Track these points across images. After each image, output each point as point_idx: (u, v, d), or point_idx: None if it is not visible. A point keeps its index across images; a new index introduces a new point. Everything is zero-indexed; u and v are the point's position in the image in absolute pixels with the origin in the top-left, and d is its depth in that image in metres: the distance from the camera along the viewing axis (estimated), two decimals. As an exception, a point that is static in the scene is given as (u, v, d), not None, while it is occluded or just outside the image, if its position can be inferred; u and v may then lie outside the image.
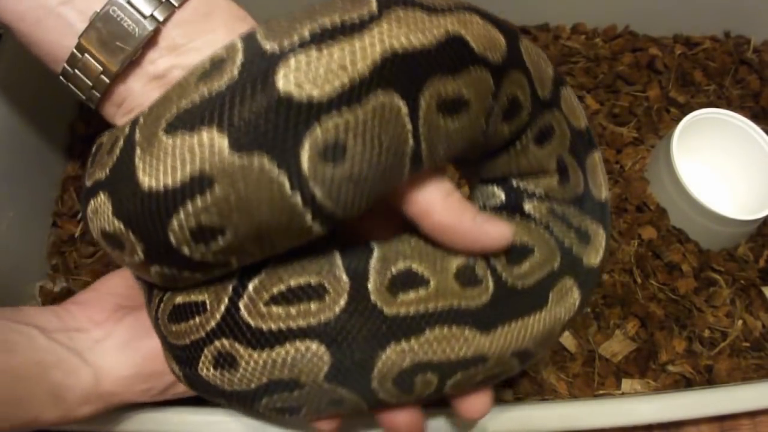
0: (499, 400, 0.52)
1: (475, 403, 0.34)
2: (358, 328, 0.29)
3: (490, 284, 0.31)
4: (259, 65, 0.24)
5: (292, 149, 0.24)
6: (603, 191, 0.36)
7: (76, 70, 0.31)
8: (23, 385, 0.34)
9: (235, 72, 0.25)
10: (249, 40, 0.26)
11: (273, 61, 0.24)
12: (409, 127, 0.26)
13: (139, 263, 0.29)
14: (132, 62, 0.30)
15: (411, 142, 0.26)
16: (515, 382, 0.53)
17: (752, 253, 0.61)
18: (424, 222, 0.30)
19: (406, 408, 0.34)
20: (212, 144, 0.24)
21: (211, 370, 0.30)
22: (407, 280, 0.30)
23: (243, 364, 0.29)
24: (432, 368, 0.30)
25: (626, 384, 0.53)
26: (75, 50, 0.30)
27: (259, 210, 0.25)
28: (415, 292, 0.30)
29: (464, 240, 0.30)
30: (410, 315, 0.29)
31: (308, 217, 0.26)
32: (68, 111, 0.66)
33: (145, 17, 0.29)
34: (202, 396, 0.34)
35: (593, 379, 0.54)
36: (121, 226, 0.27)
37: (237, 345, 0.29)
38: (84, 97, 0.32)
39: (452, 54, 0.27)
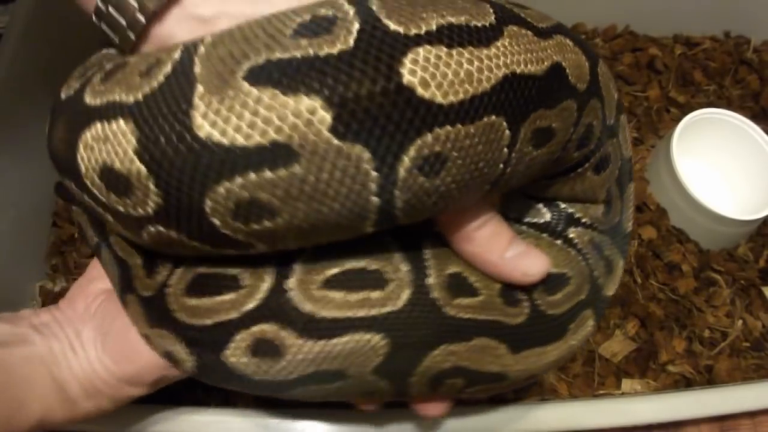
0: (499, 400, 0.52)
1: (438, 406, 0.35)
2: (419, 325, 0.28)
3: (526, 308, 0.31)
4: (382, 44, 0.21)
5: (396, 152, 0.22)
6: (630, 223, 0.38)
7: (110, 7, 0.27)
8: (27, 381, 0.33)
9: (351, 41, 0.21)
10: (361, 6, 0.23)
11: (398, 47, 0.21)
12: (505, 153, 0.24)
13: (140, 218, 0.24)
14: (171, 1, 0.26)
15: (500, 168, 0.25)
16: (515, 382, 0.53)
17: (752, 253, 0.61)
18: (457, 247, 0.30)
19: (437, 399, 0.34)
20: (313, 116, 0.21)
21: (244, 357, 0.27)
22: (461, 286, 0.29)
23: (290, 353, 0.26)
24: (465, 374, 0.30)
25: (626, 384, 0.53)
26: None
27: (330, 205, 0.22)
28: (468, 299, 0.29)
29: (494, 271, 0.30)
30: (464, 319, 0.29)
31: (371, 220, 0.24)
32: (68, 111, 0.66)
33: None
34: (213, 384, 0.31)
35: (593, 379, 0.54)
36: (142, 169, 0.22)
37: (284, 332, 0.26)
38: (117, 40, 0.28)
39: (554, 85, 0.25)
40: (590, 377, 0.54)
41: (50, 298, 0.57)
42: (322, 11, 0.23)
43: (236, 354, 0.27)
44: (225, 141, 0.21)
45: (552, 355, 0.32)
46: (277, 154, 0.21)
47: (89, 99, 0.24)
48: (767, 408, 0.47)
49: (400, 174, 0.22)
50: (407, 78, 0.21)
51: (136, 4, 0.26)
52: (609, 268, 0.35)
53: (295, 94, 0.21)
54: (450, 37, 0.22)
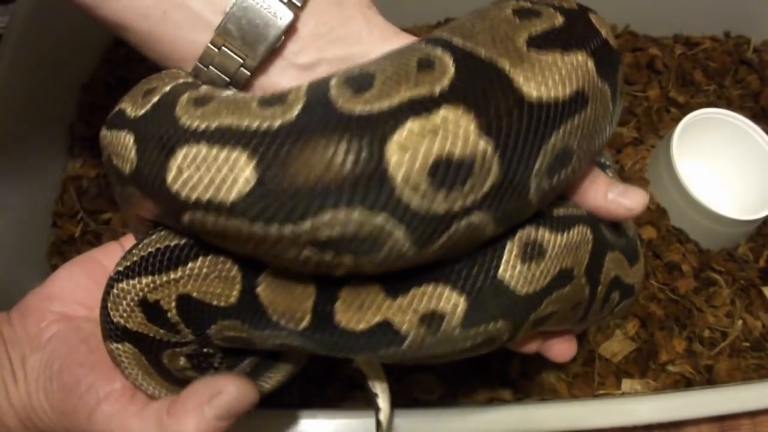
0: (499, 400, 0.52)
1: (563, 347, 0.36)
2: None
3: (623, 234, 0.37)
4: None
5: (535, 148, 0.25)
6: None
7: (211, 67, 0.29)
8: None
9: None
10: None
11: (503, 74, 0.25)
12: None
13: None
14: (273, 53, 0.28)
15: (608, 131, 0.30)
16: (515, 382, 0.53)
17: (752, 253, 0.61)
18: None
19: (563, 335, 0.37)
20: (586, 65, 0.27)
21: (517, 265, 0.29)
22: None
23: (549, 250, 0.29)
24: (619, 286, 0.35)
25: (626, 384, 0.53)
26: (210, 45, 0.28)
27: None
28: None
29: (602, 213, 0.32)
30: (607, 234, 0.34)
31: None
32: (68, 111, 0.66)
33: (283, 2, 0.28)
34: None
35: (593, 379, 0.54)
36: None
37: (542, 231, 0.29)
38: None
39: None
40: (590, 377, 0.54)
41: (50, 298, 0.57)
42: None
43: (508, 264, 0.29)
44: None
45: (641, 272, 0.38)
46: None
47: (187, 120, 0.25)
48: (767, 408, 0.47)
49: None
50: (524, 90, 0.25)
51: (239, 60, 0.28)
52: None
53: None
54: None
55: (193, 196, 0.24)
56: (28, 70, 0.58)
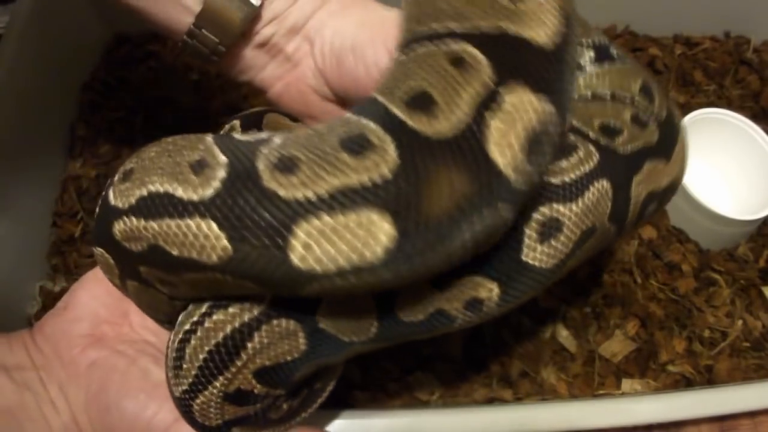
0: (499, 400, 0.52)
1: None
2: (620, 163, 0.32)
3: (653, 125, 0.35)
4: None
5: None
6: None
7: (195, 41, 0.36)
8: None
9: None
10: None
11: None
12: None
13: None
14: (243, 34, 0.36)
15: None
16: (515, 382, 0.53)
17: (752, 253, 0.61)
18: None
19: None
20: None
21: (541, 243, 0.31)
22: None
23: (566, 222, 0.30)
24: (655, 198, 0.35)
25: (626, 384, 0.53)
26: (193, 27, 0.35)
27: None
28: (617, 136, 0.33)
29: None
30: (635, 152, 0.33)
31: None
32: (68, 111, 0.66)
33: None
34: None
35: (593, 379, 0.54)
36: None
37: (558, 207, 0.30)
38: (202, 60, 0.37)
39: None
40: (590, 377, 0.54)
41: (50, 298, 0.57)
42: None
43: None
44: None
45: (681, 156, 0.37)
46: None
47: (289, 193, 0.24)
48: (767, 408, 0.47)
49: None
50: None
51: (216, 39, 0.36)
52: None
53: None
54: None
55: (331, 267, 0.24)
56: (28, 70, 0.58)
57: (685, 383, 0.54)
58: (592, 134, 0.33)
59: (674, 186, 0.37)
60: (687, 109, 0.66)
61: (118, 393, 0.32)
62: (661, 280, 0.59)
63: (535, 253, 0.30)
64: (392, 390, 0.53)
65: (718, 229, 0.59)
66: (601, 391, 0.53)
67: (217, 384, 0.30)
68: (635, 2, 0.73)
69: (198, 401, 0.30)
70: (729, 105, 0.70)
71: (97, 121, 0.66)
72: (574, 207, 0.30)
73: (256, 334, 0.29)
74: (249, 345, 0.29)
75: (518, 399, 0.53)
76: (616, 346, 0.55)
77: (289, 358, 0.31)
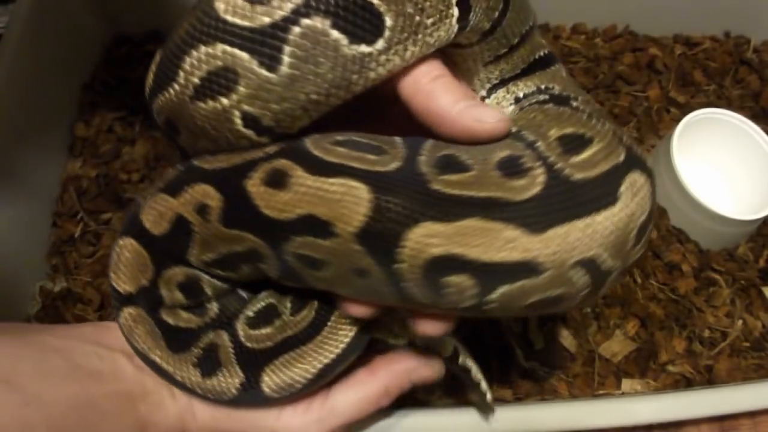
0: (499, 400, 0.52)
1: (435, 322, 0.31)
2: (401, 189, 0.27)
3: (540, 176, 0.27)
4: None
5: None
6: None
7: None
8: (108, 420, 0.31)
9: None
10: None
11: None
12: None
13: None
14: None
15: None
16: (515, 382, 0.53)
17: (752, 253, 0.61)
18: (411, 104, 0.30)
19: (437, 316, 0.31)
20: None
21: (261, 187, 0.29)
22: (452, 164, 0.28)
23: (295, 183, 0.28)
24: (468, 267, 0.26)
25: (626, 384, 0.53)
26: None
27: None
28: (457, 175, 0.28)
29: (448, 122, 0.29)
30: (452, 196, 0.27)
31: None
32: (68, 111, 0.66)
33: None
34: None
35: (593, 379, 0.54)
36: None
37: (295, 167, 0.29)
38: None
39: None
40: (590, 377, 0.54)
41: (50, 298, 0.57)
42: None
43: (255, 183, 0.29)
44: None
45: (604, 226, 0.27)
46: None
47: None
48: (767, 408, 0.47)
49: None
50: None
51: None
52: (636, 143, 0.32)
53: None
54: None
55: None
56: (28, 70, 0.58)
57: (685, 383, 0.54)
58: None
59: (537, 270, 0.27)
60: (687, 109, 0.67)
61: None
62: (661, 280, 0.59)
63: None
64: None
65: (718, 229, 0.59)
66: (601, 391, 0.53)
67: None
68: (635, 2, 0.73)
69: None
70: (729, 105, 0.70)
71: (97, 121, 0.66)
72: None
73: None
74: None
75: (518, 399, 0.53)
76: (616, 346, 0.55)
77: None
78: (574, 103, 0.33)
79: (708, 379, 0.54)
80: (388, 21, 0.27)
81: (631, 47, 0.74)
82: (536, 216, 0.26)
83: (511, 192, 0.27)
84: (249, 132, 0.29)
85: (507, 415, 0.44)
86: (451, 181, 0.27)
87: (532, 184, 0.27)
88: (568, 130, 0.30)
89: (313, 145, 0.29)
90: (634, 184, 0.28)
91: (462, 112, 0.29)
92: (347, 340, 0.35)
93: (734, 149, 0.63)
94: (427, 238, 0.26)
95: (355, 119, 0.31)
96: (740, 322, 0.57)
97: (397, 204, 0.27)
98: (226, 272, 0.35)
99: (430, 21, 0.28)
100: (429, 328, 0.31)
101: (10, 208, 0.56)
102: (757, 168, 0.62)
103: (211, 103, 0.28)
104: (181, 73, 0.28)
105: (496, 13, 0.32)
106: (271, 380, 0.34)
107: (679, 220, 0.61)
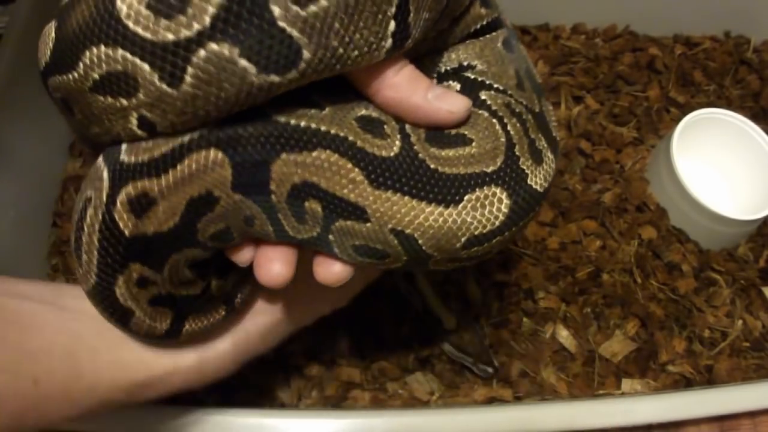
0: (499, 400, 0.52)
1: (333, 267, 0.32)
2: (250, 132, 0.28)
3: (396, 145, 0.29)
4: None
5: None
6: (555, 130, 0.35)
7: None
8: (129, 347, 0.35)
9: None
10: None
11: None
12: None
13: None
14: None
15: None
16: (515, 382, 0.53)
17: (752, 253, 0.61)
18: (379, 97, 0.30)
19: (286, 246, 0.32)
20: None
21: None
22: (305, 101, 0.29)
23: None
24: (318, 195, 0.28)
25: (626, 384, 0.53)
26: None
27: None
28: (309, 110, 0.28)
29: (421, 114, 0.30)
30: (301, 127, 0.28)
31: None
32: (68, 111, 0.66)
33: None
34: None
35: (593, 379, 0.54)
36: None
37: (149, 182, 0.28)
38: None
39: None
40: (590, 377, 0.54)
41: (50, 298, 0.57)
42: None
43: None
44: None
45: (432, 219, 0.29)
46: None
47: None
48: (767, 408, 0.47)
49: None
50: None
51: None
52: (536, 156, 0.31)
53: None
54: None
55: None
56: (28, 69, 0.58)
57: (685, 383, 0.54)
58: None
59: (365, 217, 0.30)
60: (687, 109, 0.67)
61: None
62: (661, 280, 0.59)
63: None
64: (392, 390, 0.53)
65: (718, 229, 0.59)
66: (601, 391, 0.53)
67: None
68: (635, 2, 0.73)
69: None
70: (729, 105, 0.70)
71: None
72: None
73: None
74: None
75: (518, 399, 0.53)
76: (616, 346, 0.55)
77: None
78: (483, 96, 0.33)
79: (708, 379, 0.54)
80: (306, 54, 0.25)
81: (631, 47, 0.74)
82: (380, 174, 0.28)
83: (367, 144, 0.28)
84: (142, 133, 0.28)
85: (507, 415, 0.44)
86: (302, 114, 0.28)
87: (388, 147, 0.29)
88: (451, 130, 0.31)
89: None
90: (485, 198, 0.29)
91: (434, 102, 0.30)
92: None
93: (734, 149, 0.63)
94: (288, 168, 0.28)
95: None
96: (740, 322, 0.57)
97: (254, 148, 0.28)
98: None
99: (355, 54, 0.26)
100: (321, 270, 0.32)
101: (11, 208, 0.56)
102: (757, 168, 0.62)
103: (110, 99, 0.27)
104: (81, 65, 0.27)
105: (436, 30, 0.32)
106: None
107: (679, 220, 0.61)
